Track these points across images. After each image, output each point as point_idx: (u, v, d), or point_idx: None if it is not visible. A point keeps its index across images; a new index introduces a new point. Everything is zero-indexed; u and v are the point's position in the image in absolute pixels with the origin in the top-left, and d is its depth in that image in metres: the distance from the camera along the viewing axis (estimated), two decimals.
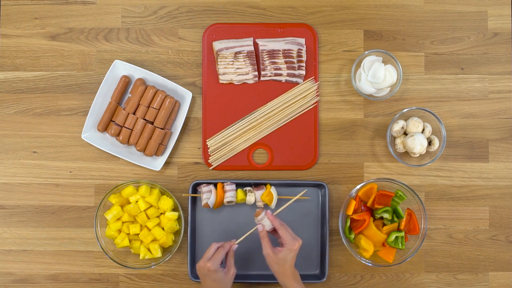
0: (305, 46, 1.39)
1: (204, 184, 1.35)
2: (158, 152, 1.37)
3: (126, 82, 1.37)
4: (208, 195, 1.34)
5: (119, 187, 1.35)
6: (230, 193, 1.34)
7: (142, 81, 1.37)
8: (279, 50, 1.39)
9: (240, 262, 1.38)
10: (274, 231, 1.27)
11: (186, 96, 1.38)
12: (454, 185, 1.41)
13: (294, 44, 1.39)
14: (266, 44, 1.39)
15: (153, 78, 1.37)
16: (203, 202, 1.34)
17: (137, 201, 1.34)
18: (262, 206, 1.36)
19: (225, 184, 1.36)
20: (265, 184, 1.37)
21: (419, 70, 1.42)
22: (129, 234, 1.35)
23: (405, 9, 1.42)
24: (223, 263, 1.26)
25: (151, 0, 1.42)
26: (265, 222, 1.25)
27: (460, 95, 1.41)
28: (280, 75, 1.40)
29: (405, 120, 1.36)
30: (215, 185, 1.36)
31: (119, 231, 1.35)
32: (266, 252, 1.23)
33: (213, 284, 1.21)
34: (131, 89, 1.37)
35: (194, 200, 1.39)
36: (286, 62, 1.39)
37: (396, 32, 1.42)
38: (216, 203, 1.34)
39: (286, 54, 1.39)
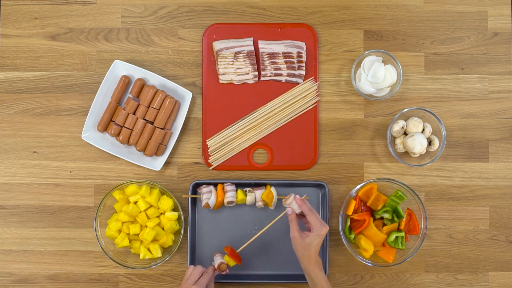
0: (305, 49, 1.39)
1: (204, 185, 1.35)
2: (158, 152, 1.37)
3: (126, 82, 1.37)
4: (208, 196, 1.34)
5: (119, 187, 1.35)
6: (230, 193, 1.34)
7: (142, 81, 1.37)
8: (279, 53, 1.39)
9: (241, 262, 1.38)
10: (301, 216, 1.29)
11: (186, 96, 1.38)
12: (454, 185, 1.41)
13: (294, 47, 1.39)
14: (266, 47, 1.39)
15: (153, 78, 1.37)
16: (204, 202, 1.34)
17: (136, 202, 1.34)
18: (263, 206, 1.36)
19: (225, 184, 1.36)
20: (265, 185, 1.37)
21: (419, 70, 1.42)
22: (129, 234, 1.35)
23: (405, 9, 1.42)
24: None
25: (151, 0, 1.42)
26: (293, 206, 1.28)
27: (460, 95, 1.42)
28: (280, 75, 1.40)
29: (405, 120, 1.36)
30: (215, 185, 1.36)
31: (119, 231, 1.35)
32: (293, 236, 1.25)
33: None
34: (131, 89, 1.38)
35: (194, 200, 1.39)
36: (286, 62, 1.39)
37: (396, 32, 1.42)
38: (216, 204, 1.34)
39: (286, 55, 1.39)
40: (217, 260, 1.29)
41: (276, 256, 1.39)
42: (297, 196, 1.28)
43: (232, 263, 1.29)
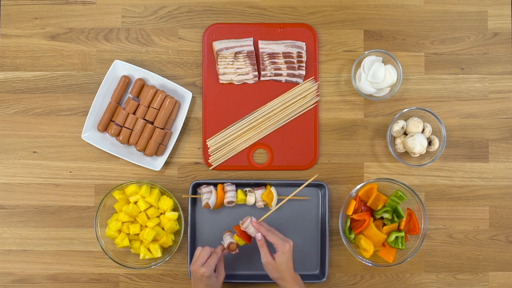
0: (305, 49, 1.39)
1: (204, 185, 1.35)
2: (158, 152, 1.37)
3: (126, 82, 1.37)
4: (208, 196, 1.34)
5: (119, 187, 1.35)
6: (231, 193, 1.34)
7: (142, 81, 1.37)
8: (279, 53, 1.39)
9: (240, 262, 1.38)
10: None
11: (186, 96, 1.38)
12: (454, 185, 1.41)
13: (294, 47, 1.39)
14: (266, 47, 1.39)
15: (153, 78, 1.37)
16: (204, 203, 1.34)
17: (136, 202, 1.34)
18: (263, 206, 1.36)
19: (225, 184, 1.36)
20: (265, 185, 1.37)
21: (419, 70, 1.42)
22: (129, 234, 1.35)
23: (405, 9, 1.42)
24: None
25: (151, 0, 1.42)
26: (249, 230, 1.26)
27: (460, 95, 1.42)
28: (280, 75, 1.40)
29: (405, 120, 1.36)
30: (215, 186, 1.36)
31: (119, 231, 1.35)
32: (266, 261, 1.23)
33: None
34: (131, 89, 1.38)
35: (194, 200, 1.39)
36: (286, 62, 1.39)
37: (396, 32, 1.42)
38: (216, 204, 1.34)
39: (286, 55, 1.39)
40: (227, 239, 1.27)
41: None
42: (253, 219, 1.25)
43: (241, 242, 1.27)
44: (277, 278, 1.23)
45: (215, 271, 1.24)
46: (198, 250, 1.26)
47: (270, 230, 1.25)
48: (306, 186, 1.38)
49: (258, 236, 1.24)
